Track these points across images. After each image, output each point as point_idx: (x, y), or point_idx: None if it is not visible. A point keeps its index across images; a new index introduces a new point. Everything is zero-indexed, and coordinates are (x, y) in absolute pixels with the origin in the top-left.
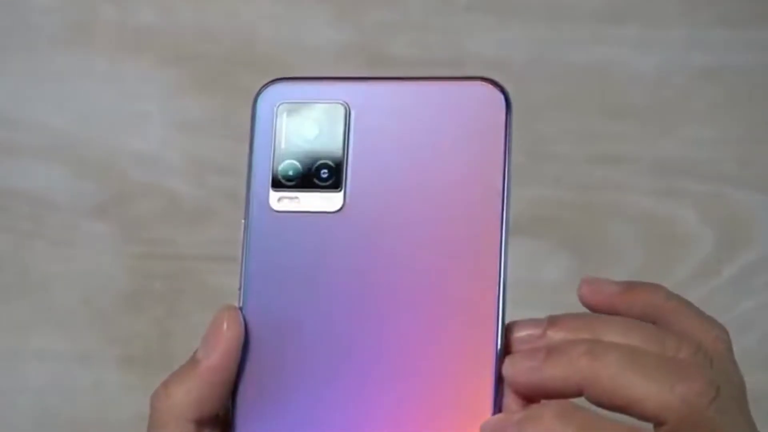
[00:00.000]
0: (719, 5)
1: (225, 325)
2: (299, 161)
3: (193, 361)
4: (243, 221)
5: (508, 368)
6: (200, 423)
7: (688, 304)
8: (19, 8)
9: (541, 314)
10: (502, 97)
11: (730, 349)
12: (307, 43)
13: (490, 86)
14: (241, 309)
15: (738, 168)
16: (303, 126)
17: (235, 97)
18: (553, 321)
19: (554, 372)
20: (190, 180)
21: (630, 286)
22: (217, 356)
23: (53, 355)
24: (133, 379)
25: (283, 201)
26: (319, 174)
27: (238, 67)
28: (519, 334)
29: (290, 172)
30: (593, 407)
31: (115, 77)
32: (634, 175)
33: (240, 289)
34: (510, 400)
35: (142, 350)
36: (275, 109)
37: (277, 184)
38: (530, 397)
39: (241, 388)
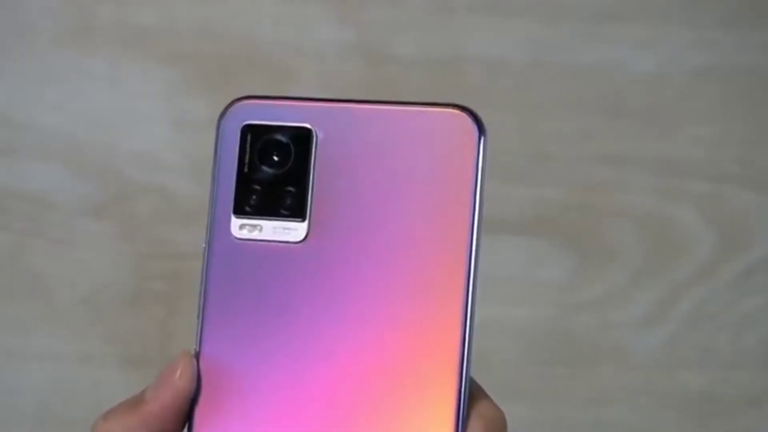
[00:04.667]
0: (720, 5)
1: (178, 374)
2: (262, 187)
3: (140, 399)
4: (204, 245)
5: None
6: None
7: None
8: (19, 8)
9: (540, 313)
10: (474, 125)
11: None
12: (308, 42)
13: (463, 114)
14: (197, 350)
15: (738, 168)
16: (267, 149)
17: (235, 97)
18: None
19: None
20: (190, 180)
21: None
22: (162, 404)
23: (53, 355)
24: (134, 379)
25: (245, 228)
26: (282, 202)
27: (238, 67)
28: None
29: (252, 199)
30: None
31: (115, 77)
32: (634, 175)
33: (198, 317)
34: None
35: (142, 350)
36: (239, 129)
37: (239, 210)
38: None
39: (196, 424)
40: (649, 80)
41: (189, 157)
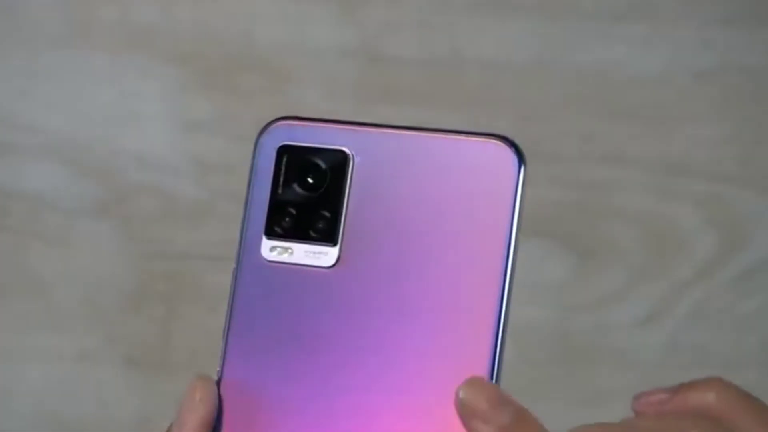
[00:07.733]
0: (720, 5)
1: (198, 398)
2: (295, 209)
3: None
4: (234, 266)
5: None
6: None
7: (745, 402)
8: (19, 8)
9: (540, 313)
10: (515, 157)
11: None
12: (307, 42)
13: (504, 145)
14: (221, 370)
15: (738, 168)
16: (302, 172)
17: (235, 97)
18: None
19: None
20: (191, 180)
21: (679, 390)
22: (192, 429)
23: (53, 355)
24: (134, 379)
25: (275, 250)
26: (314, 226)
27: (238, 67)
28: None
29: (285, 221)
30: None
31: (115, 76)
32: (634, 175)
33: (223, 338)
34: None
35: (143, 350)
36: (275, 151)
37: (271, 232)
38: None
39: None
40: (649, 80)
41: (189, 156)
